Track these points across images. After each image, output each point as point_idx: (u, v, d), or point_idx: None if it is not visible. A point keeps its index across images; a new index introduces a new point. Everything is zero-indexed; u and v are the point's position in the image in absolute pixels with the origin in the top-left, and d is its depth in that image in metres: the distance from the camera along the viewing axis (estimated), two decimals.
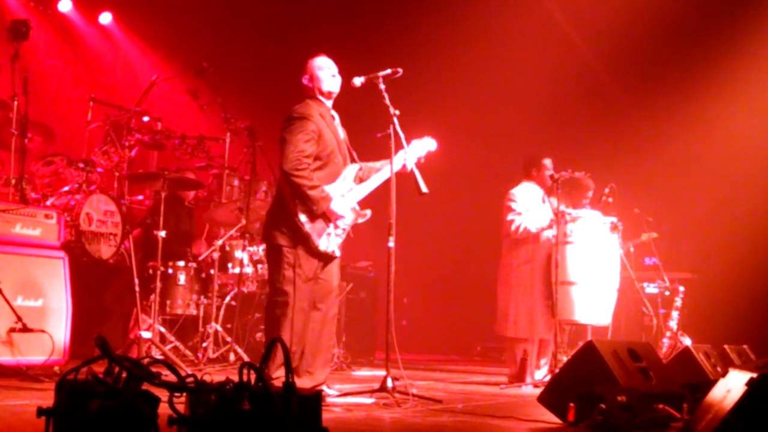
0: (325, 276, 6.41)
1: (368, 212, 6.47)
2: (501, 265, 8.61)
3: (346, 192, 6.41)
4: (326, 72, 6.51)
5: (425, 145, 6.77)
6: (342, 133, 6.60)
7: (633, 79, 12.40)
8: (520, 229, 8.36)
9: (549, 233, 8.30)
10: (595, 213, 8.40)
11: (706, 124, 11.67)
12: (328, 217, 6.25)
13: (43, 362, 6.90)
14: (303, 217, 6.17)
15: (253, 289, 9.33)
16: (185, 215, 9.72)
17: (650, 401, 5.30)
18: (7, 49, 7.99)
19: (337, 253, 6.44)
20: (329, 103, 6.55)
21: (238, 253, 9.27)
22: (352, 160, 6.60)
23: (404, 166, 6.56)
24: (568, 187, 8.67)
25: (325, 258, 6.34)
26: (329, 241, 6.28)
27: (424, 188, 6.38)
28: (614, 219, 8.34)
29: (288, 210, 6.21)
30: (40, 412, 3.47)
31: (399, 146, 6.52)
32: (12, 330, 6.75)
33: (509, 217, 8.44)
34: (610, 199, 8.68)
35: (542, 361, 8.37)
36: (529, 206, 8.47)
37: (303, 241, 6.20)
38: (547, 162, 8.59)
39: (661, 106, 11.89)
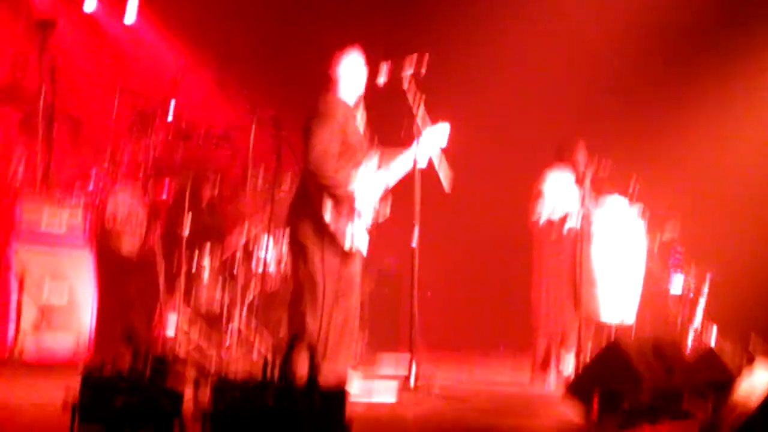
0: (347, 272, 6.42)
1: (387, 209, 6.48)
2: (532, 257, 8.57)
3: (367, 189, 6.40)
4: (364, 73, 6.54)
5: (436, 139, 6.71)
6: (363, 125, 6.61)
7: (662, 69, 12.30)
8: (541, 219, 8.34)
9: (573, 222, 8.25)
10: (620, 200, 8.36)
11: (734, 115, 11.57)
12: (352, 216, 6.25)
13: (68, 356, 6.94)
14: (328, 216, 6.17)
15: (276, 286, 9.32)
16: (203, 211, 9.68)
17: (674, 399, 5.28)
18: (34, 40, 8.03)
19: (363, 251, 6.45)
20: (353, 98, 6.56)
21: (262, 252, 9.26)
22: (371, 149, 6.60)
23: (416, 162, 6.55)
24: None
25: (349, 255, 6.35)
26: (354, 238, 6.28)
27: (446, 187, 6.38)
28: (640, 209, 8.30)
29: (312, 207, 6.21)
30: (66, 405, 3.50)
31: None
32: (38, 324, 6.80)
33: (534, 204, 8.40)
34: (636, 191, 8.63)
35: (569, 350, 8.29)
36: (560, 191, 8.41)
37: (328, 238, 6.20)
38: (580, 149, 8.50)
39: (689, 97, 11.77)
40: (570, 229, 8.28)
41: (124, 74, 11.23)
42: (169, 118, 9.60)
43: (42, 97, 7.77)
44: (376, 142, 6.62)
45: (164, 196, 9.71)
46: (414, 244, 6.40)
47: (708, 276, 10.01)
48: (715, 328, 9.61)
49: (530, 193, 8.50)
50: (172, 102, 9.66)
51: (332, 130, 6.22)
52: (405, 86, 6.52)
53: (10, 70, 9.54)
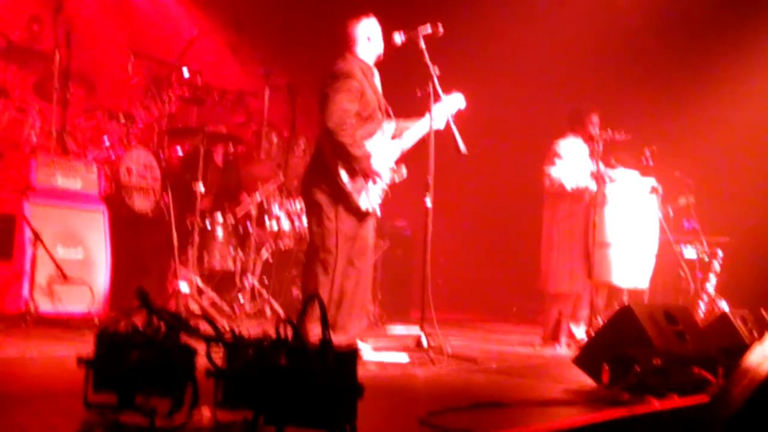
0: (361, 233, 6.42)
1: (404, 170, 6.47)
2: (543, 218, 8.54)
3: (384, 150, 6.41)
4: (381, 38, 6.51)
5: (454, 103, 6.70)
6: (380, 86, 6.59)
7: (678, 39, 12.22)
8: (555, 184, 8.30)
9: (587, 186, 8.21)
10: (633, 173, 8.32)
11: (748, 86, 11.52)
12: (368, 176, 6.25)
13: (82, 313, 6.98)
14: (344, 176, 6.17)
15: (290, 245, 9.34)
16: (218, 169, 9.70)
17: (685, 364, 5.28)
18: (50, 3, 8.02)
19: (378, 212, 6.45)
20: (371, 61, 6.54)
21: (276, 209, 9.28)
22: (388, 117, 6.58)
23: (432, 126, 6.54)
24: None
25: (364, 216, 6.35)
26: (369, 199, 6.29)
27: (463, 148, 6.36)
28: (653, 182, 8.27)
29: (328, 167, 6.21)
30: (80, 361, 3.52)
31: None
32: (53, 280, 6.84)
33: (547, 169, 8.36)
34: (651, 162, 8.59)
35: (582, 313, 8.28)
36: (575, 159, 8.36)
37: (344, 199, 6.21)
38: (594, 118, 8.41)
39: (704, 68, 11.72)
40: (584, 193, 8.26)
41: (138, 37, 11.22)
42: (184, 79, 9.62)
43: (57, 60, 7.77)
44: (392, 114, 6.62)
45: (179, 154, 9.76)
46: (429, 203, 6.39)
47: (719, 253, 10.00)
48: (725, 304, 9.59)
49: (545, 156, 8.46)
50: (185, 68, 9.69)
51: (351, 88, 6.20)
52: (422, 45, 6.49)
53: (25, 33, 9.55)
